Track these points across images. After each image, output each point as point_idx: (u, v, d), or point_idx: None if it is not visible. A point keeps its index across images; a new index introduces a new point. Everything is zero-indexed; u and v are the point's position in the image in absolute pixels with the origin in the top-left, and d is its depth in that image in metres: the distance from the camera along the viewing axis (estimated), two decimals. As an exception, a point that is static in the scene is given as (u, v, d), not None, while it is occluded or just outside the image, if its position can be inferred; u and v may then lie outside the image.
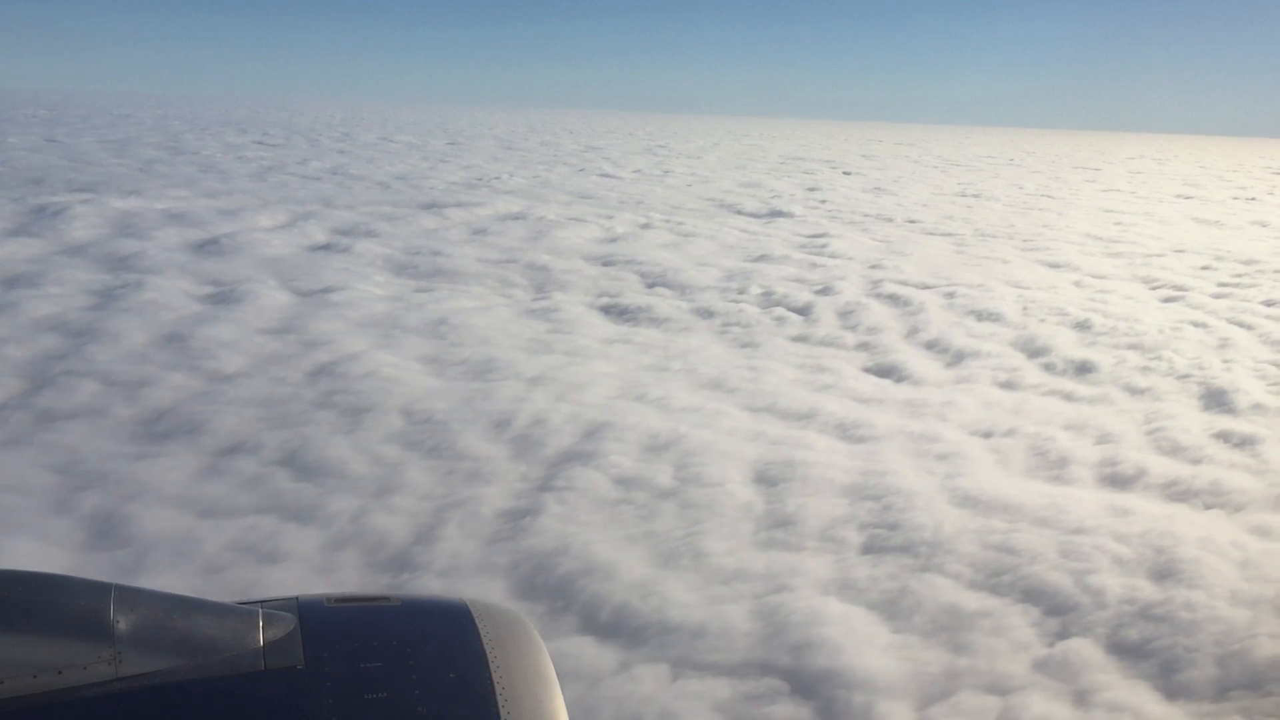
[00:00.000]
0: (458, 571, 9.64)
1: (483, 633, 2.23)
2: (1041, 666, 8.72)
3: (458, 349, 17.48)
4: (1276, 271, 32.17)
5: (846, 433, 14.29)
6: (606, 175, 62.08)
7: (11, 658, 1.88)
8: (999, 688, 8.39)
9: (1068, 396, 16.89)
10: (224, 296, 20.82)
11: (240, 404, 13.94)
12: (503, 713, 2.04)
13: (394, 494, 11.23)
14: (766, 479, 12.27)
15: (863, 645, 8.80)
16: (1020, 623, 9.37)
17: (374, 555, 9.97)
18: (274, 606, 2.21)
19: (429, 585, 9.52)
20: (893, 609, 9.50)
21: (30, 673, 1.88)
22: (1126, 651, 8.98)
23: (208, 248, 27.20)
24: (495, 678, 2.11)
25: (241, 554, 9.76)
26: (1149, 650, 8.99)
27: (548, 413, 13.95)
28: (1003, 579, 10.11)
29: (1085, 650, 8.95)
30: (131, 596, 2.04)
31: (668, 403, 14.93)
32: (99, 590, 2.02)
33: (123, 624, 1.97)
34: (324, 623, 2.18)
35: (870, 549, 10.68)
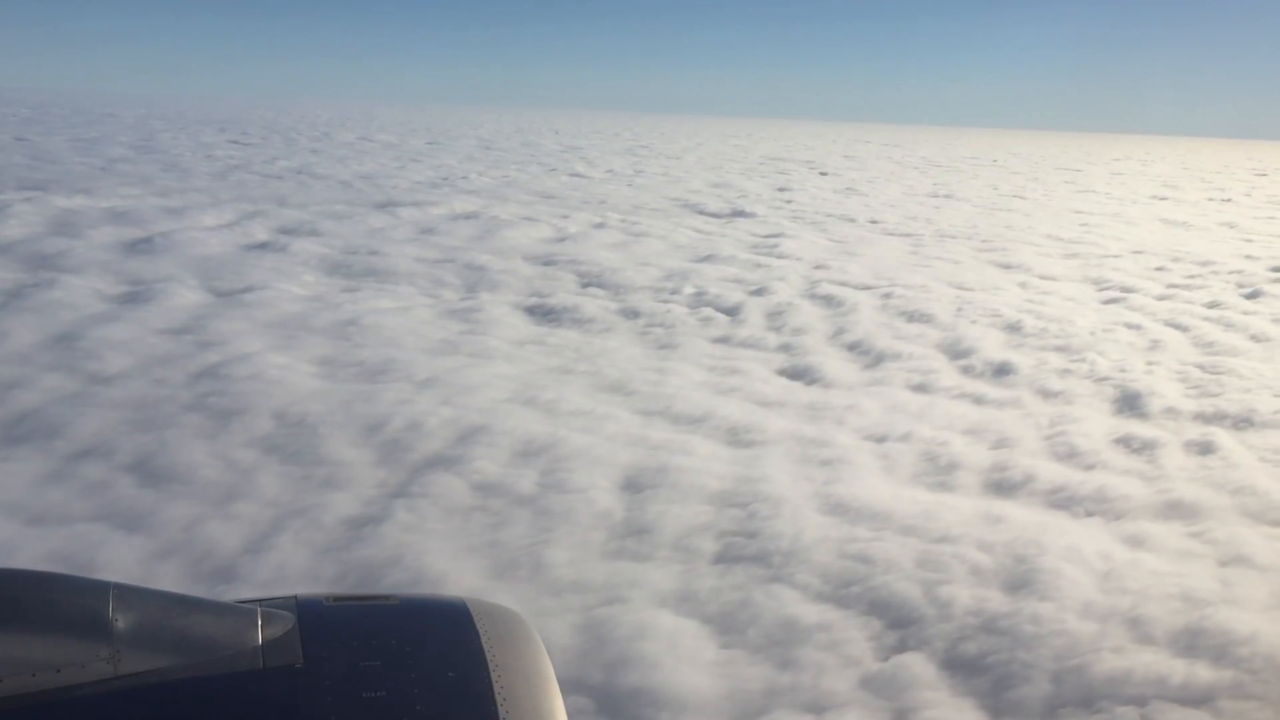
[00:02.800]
0: (279, 583, 9.27)
1: (482, 632, 2.23)
2: (868, 683, 8.37)
3: (358, 350, 17.11)
4: (1231, 273, 31.90)
5: (735, 437, 13.94)
6: (577, 175, 61.71)
7: (10, 656, 1.87)
8: (817, 706, 8.04)
9: (978, 400, 16.55)
10: (134, 296, 20.43)
11: (109, 406, 13.56)
12: (501, 712, 2.04)
13: (237, 501, 10.85)
14: (634, 486, 11.91)
15: (683, 661, 8.44)
16: (858, 636, 9.02)
17: (197, 566, 9.59)
18: (273, 605, 2.21)
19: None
20: (728, 622, 9.14)
21: (28, 671, 1.88)
22: (960, 667, 8.63)
23: (139, 246, 26.78)
24: (494, 677, 2.11)
25: (55, 565, 9.37)
26: (984, 665, 8.65)
27: (426, 416, 13.59)
28: (851, 590, 9.76)
29: (917, 666, 8.60)
30: (130, 595, 2.05)
31: (557, 406, 14.57)
32: (97, 589, 2.03)
33: (121, 622, 1.98)
34: (323, 622, 2.19)
35: (722, 559, 10.33)
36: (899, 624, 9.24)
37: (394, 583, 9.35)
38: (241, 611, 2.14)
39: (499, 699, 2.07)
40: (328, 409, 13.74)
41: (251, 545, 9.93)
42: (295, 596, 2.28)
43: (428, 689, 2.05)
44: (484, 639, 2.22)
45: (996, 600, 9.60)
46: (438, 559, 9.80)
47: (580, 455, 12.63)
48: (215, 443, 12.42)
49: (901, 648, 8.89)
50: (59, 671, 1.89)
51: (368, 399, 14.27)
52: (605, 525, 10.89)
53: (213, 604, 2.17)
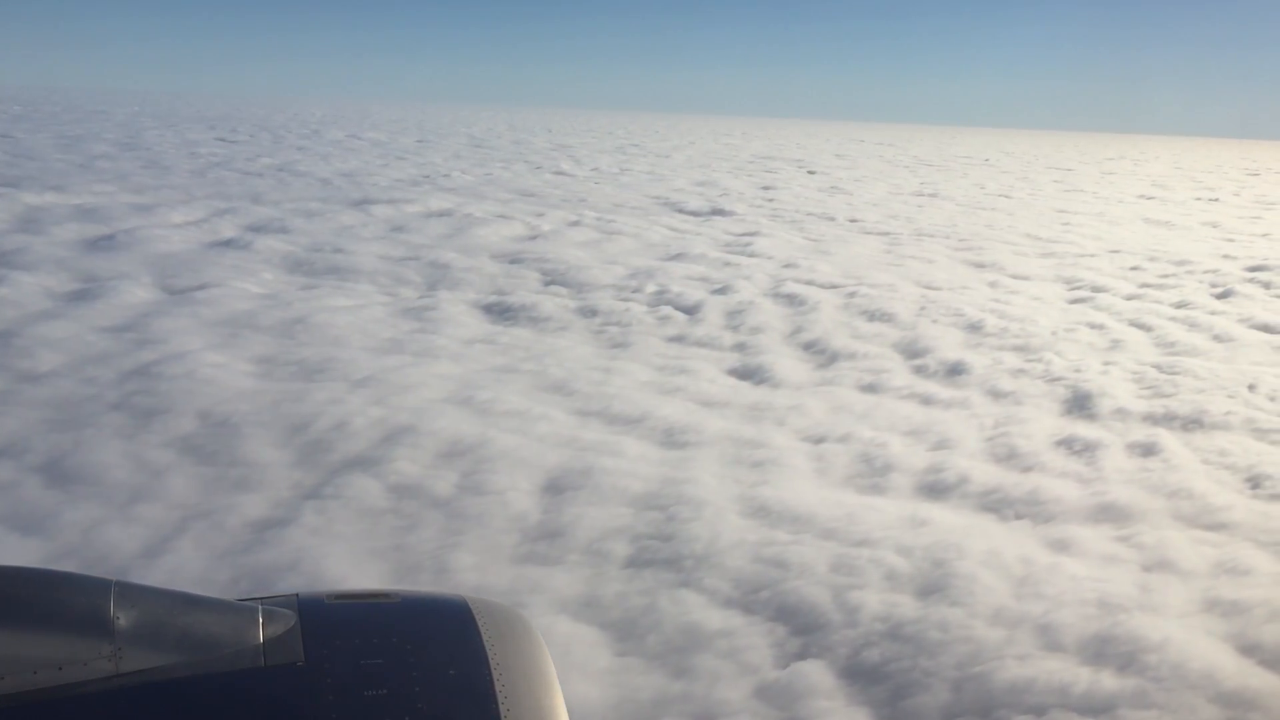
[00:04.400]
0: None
1: (482, 629, 2.24)
2: (762, 692, 8.16)
3: (300, 349, 16.88)
4: (1206, 272, 31.70)
5: (670, 438, 13.72)
6: (561, 173, 61.47)
7: (12, 654, 1.88)
8: (707, 716, 7.84)
9: (926, 400, 16.35)
10: (83, 294, 20.21)
11: (33, 405, 13.34)
12: (502, 709, 2.05)
13: (143, 503, 10.63)
14: (556, 488, 11.70)
15: (573, 670, 8.22)
16: (760, 643, 8.82)
17: (91, 570, 9.34)
18: (274, 603, 2.21)
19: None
20: (628, 629, 8.92)
21: (31, 669, 1.88)
22: (860, 675, 8.43)
23: (100, 244, 26.57)
24: (495, 674, 2.11)
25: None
26: (884, 673, 8.44)
27: (354, 416, 13.37)
28: (760, 595, 9.55)
29: (816, 674, 8.39)
30: (132, 593, 2.06)
31: (491, 406, 14.35)
32: (99, 587, 2.04)
33: (123, 620, 1.98)
34: (324, 619, 2.18)
35: (633, 563, 10.12)
36: (804, 630, 9.03)
37: (286, 587, 9.13)
38: (243, 609, 2.15)
39: (500, 697, 2.07)
40: (255, 409, 13.52)
41: (149, 549, 9.71)
42: (296, 595, 2.29)
43: (429, 687, 2.05)
44: (485, 637, 2.22)
45: (906, 606, 9.39)
46: (337, 563, 9.58)
47: (505, 456, 12.42)
48: (132, 443, 12.20)
49: (803, 655, 8.68)
50: (61, 669, 1.90)
51: (298, 398, 14.06)
52: (519, 528, 10.68)
53: (214, 602, 2.17)
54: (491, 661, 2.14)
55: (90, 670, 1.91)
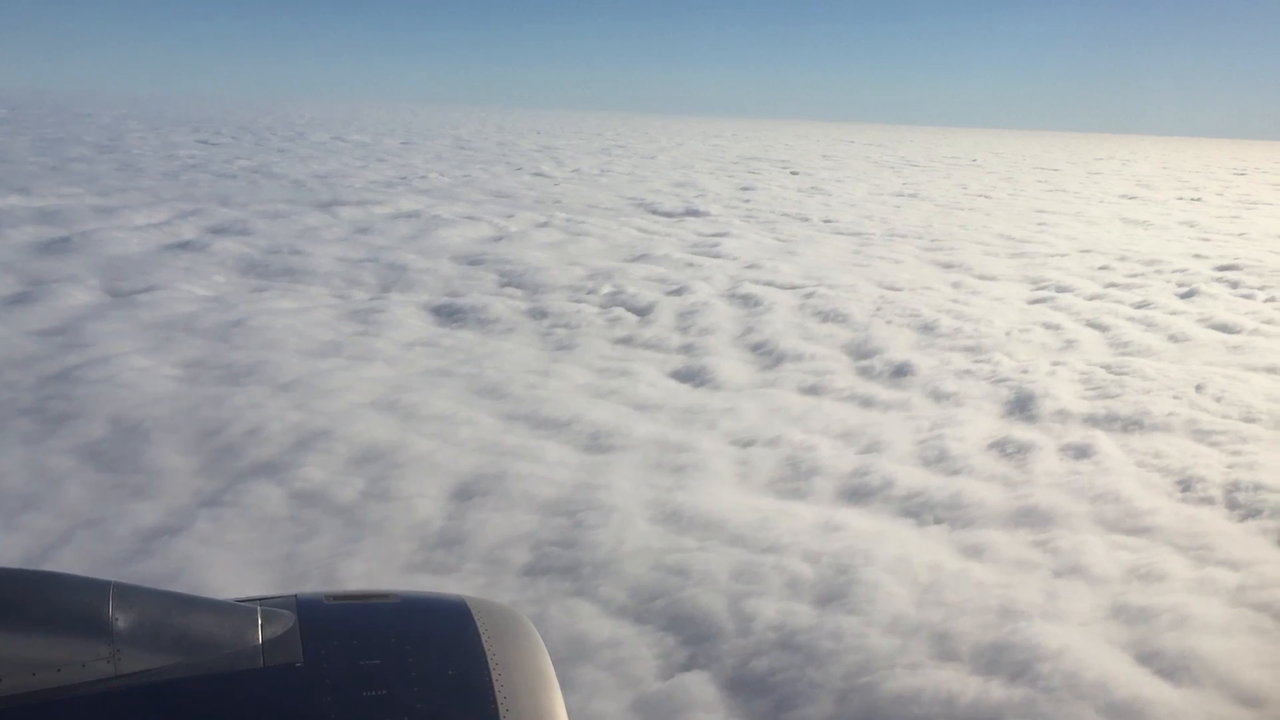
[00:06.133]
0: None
1: (481, 630, 2.23)
2: (641, 705, 7.93)
3: (233, 353, 16.62)
4: (1174, 271, 31.54)
5: (595, 442, 13.48)
6: (540, 174, 61.24)
7: (10, 656, 1.88)
8: (578, 730, 7.60)
9: (866, 402, 16.13)
10: (24, 297, 19.92)
11: (-58, 411, 13.08)
12: (501, 710, 2.04)
13: (32, 511, 10.37)
14: (465, 494, 11.45)
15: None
16: (647, 654, 8.58)
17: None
18: (273, 604, 2.21)
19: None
20: (513, 639, 8.68)
21: (29, 670, 1.88)
22: (744, 686, 8.19)
23: (54, 246, 26.28)
24: (494, 675, 2.11)
25: None
26: (770, 685, 8.21)
27: (270, 421, 13.12)
28: (655, 604, 9.31)
29: (699, 686, 8.16)
30: (130, 594, 2.05)
31: (416, 411, 14.10)
32: (98, 588, 2.03)
33: (121, 622, 1.98)
34: (323, 620, 2.18)
35: (531, 571, 9.88)
36: (694, 640, 8.79)
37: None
38: (241, 610, 2.15)
39: (499, 697, 2.07)
40: (170, 413, 13.26)
41: (29, 558, 9.42)
42: (295, 595, 2.28)
43: (428, 687, 2.05)
44: (484, 637, 2.21)
45: (803, 614, 9.16)
46: (221, 573, 9.33)
47: (419, 462, 12.18)
48: (36, 449, 11.93)
49: (689, 666, 8.45)
50: (59, 671, 1.90)
51: (217, 403, 13.80)
52: (418, 536, 10.44)
53: (213, 603, 2.18)
54: (490, 662, 2.14)
55: (89, 672, 1.91)
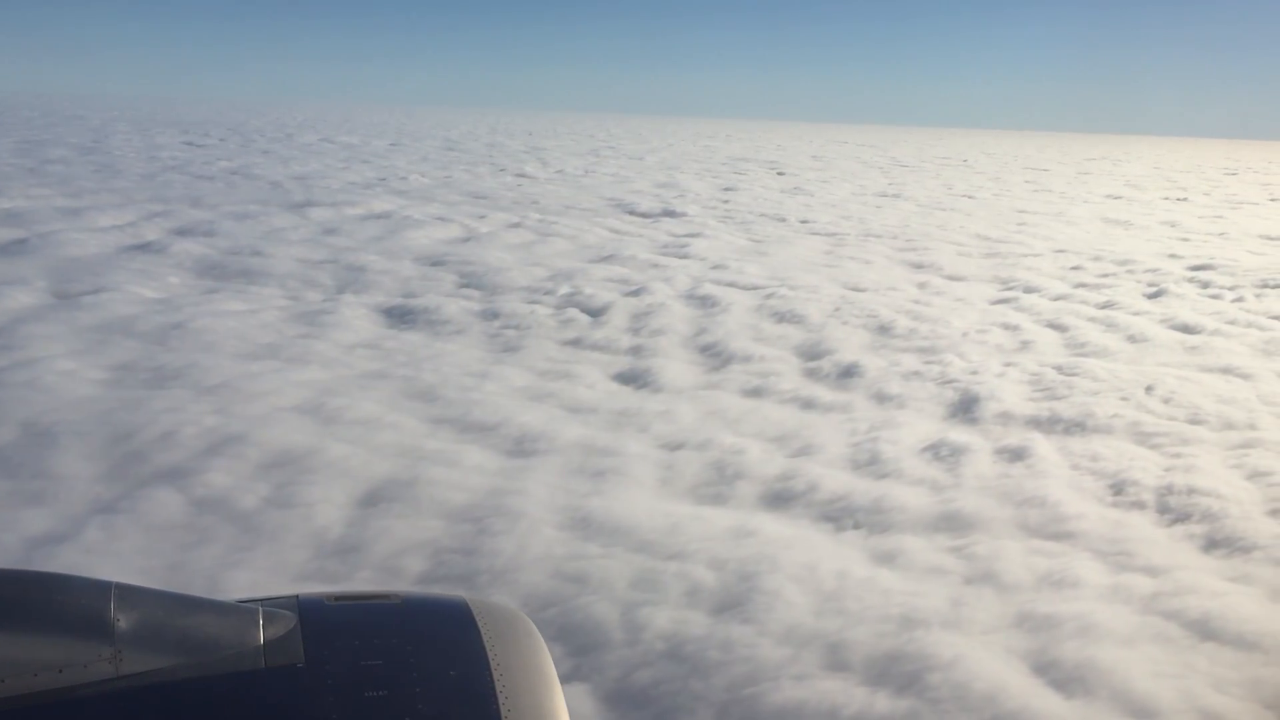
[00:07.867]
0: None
1: (483, 630, 2.23)
2: (513, 718, 7.67)
3: (165, 355, 16.37)
4: (1146, 271, 31.32)
5: (518, 446, 13.23)
6: (523, 176, 61.03)
7: (12, 657, 1.87)
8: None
9: (806, 404, 15.88)
10: (-37, 299, 19.67)
11: None
12: (503, 710, 2.04)
13: (-81, 519, 10.13)
14: (372, 500, 11.20)
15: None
16: (529, 665, 8.32)
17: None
18: (274, 605, 2.21)
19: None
20: (392, 650, 8.44)
21: (31, 671, 1.88)
22: (624, 699, 7.95)
23: (10, 248, 26.05)
24: (495, 675, 2.11)
25: None
26: (650, 697, 7.96)
27: (185, 426, 12.86)
28: (546, 613, 9.05)
29: (577, 698, 7.87)
30: (132, 595, 2.06)
31: (340, 415, 13.84)
32: (99, 589, 2.04)
33: (123, 622, 1.98)
34: (324, 621, 2.18)
35: (425, 579, 9.64)
36: (580, 651, 8.54)
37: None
38: (243, 611, 2.15)
39: (500, 697, 2.06)
40: (83, 418, 13.01)
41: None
42: (296, 596, 2.28)
43: (429, 688, 2.05)
44: (485, 637, 2.21)
45: (696, 623, 8.91)
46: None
47: (330, 467, 11.93)
48: (-63, 455, 11.69)
49: (570, 678, 8.17)
50: (61, 672, 1.90)
51: (135, 407, 13.54)
52: (314, 543, 10.18)
53: (214, 603, 2.19)
54: (492, 662, 2.14)
55: (90, 672, 1.91)
